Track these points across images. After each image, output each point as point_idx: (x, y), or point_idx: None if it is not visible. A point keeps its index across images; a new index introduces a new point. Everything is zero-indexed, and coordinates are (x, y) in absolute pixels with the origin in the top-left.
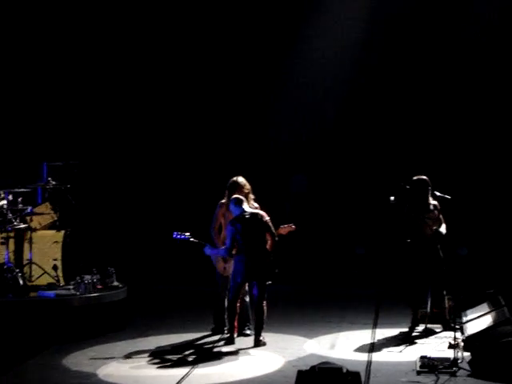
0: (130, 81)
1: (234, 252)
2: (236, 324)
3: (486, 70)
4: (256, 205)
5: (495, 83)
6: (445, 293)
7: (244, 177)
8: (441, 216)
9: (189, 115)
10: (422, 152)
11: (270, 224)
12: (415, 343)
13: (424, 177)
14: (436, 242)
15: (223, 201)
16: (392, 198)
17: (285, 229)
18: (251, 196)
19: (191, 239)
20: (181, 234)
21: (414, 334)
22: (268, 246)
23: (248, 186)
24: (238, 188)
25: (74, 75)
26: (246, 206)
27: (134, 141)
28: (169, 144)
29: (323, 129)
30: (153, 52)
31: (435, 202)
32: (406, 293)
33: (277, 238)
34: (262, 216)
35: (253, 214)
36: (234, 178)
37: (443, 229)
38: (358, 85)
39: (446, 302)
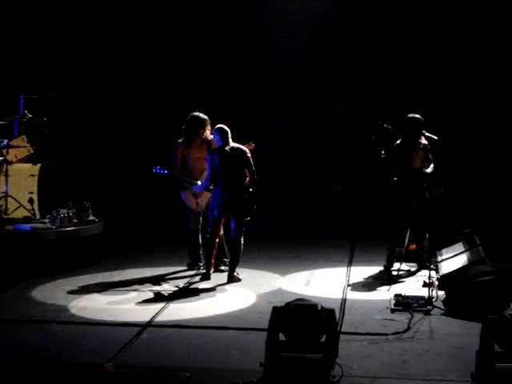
0: (108, 13)
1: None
2: (213, 260)
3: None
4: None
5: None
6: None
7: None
8: (430, 156)
9: (166, 50)
10: (404, 88)
11: (251, 161)
12: (390, 281)
13: (418, 115)
14: (422, 181)
15: (180, 140)
16: (373, 136)
17: (246, 147)
18: (209, 130)
19: (173, 173)
20: (161, 169)
21: (388, 271)
22: (247, 182)
23: (207, 119)
24: (198, 122)
25: (53, 5)
26: (229, 139)
27: (112, 74)
28: (146, 76)
29: (299, 64)
30: None
31: (425, 142)
32: (385, 230)
33: (256, 177)
34: (243, 151)
35: (233, 148)
36: (193, 113)
37: (430, 168)
38: (337, 18)
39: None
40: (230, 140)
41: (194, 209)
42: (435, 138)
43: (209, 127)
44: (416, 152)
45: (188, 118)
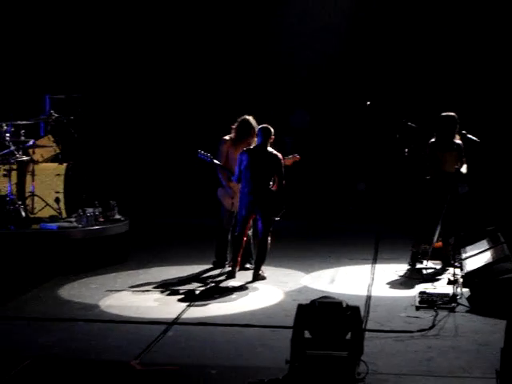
0: (132, 16)
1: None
2: (239, 259)
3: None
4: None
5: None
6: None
7: (245, 112)
8: (463, 156)
9: (191, 49)
10: (431, 88)
11: (282, 168)
12: (415, 279)
13: (452, 113)
14: (455, 180)
15: (227, 137)
16: (397, 135)
17: (289, 160)
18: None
19: (215, 161)
20: (205, 155)
21: (414, 269)
22: (274, 187)
23: (256, 127)
24: (248, 128)
25: (78, 7)
26: (268, 142)
27: (138, 73)
28: (172, 78)
29: (326, 64)
30: None
31: (460, 142)
32: (412, 228)
33: (284, 182)
34: (276, 156)
35: (267, 152)
36: (247, 117)
37: (464, 169)
38: (362, 16)
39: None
40: (267, 141)
41: (229, 208)
42: (476, 139)
43: (255, 135)
44: (450, 153)
45: (242, 120)
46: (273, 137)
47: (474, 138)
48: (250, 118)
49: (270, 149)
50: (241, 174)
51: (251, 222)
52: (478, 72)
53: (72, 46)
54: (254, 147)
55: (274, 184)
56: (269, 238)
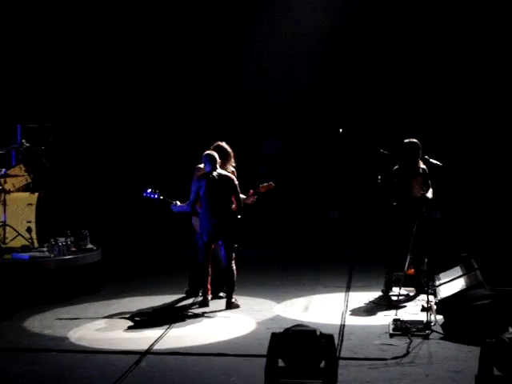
0: (105, 43)
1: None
2: (209, 286)
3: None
4: (232, 169)
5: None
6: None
7: (217, 139)
8: (429, 181)
9: (161, 79)
10: (401, 114)
11: (237, 188)
12: (389, 306)
13: (415, 140)
14: (422, 206)
15: (201, 165)
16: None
17: (264, 187)
18: (232, 162)
19: (161, 197)
20: (151, 193)
21: (387, 296)
22: (233, 209)
23: (231, 152)
24: (222, 152)
25: (49, 36)
26: (217, 166)
27: (108, 104)
28: (141, 107)
29: (297, 91)
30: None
31: (424, 166)
32: (383, 255)
33: (242, 205)
34: (230, 178)
35: (221, 175)
36: (220, 143)
37: (430, 193)
38: (334, 44)
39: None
40: (218, 166)
41: None
42: (439, 164)
43: (232, 160)
44: (415, 178)
45: (215, 146)
46: (230, 158)
47: (436, 162)
48: (223, 144)
49: (223, 171)
50: (196, 199)
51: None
52: (441, 95)
53: (44, 74)
54: (208, 173)
55: (233, 206)
56: (233, 264)
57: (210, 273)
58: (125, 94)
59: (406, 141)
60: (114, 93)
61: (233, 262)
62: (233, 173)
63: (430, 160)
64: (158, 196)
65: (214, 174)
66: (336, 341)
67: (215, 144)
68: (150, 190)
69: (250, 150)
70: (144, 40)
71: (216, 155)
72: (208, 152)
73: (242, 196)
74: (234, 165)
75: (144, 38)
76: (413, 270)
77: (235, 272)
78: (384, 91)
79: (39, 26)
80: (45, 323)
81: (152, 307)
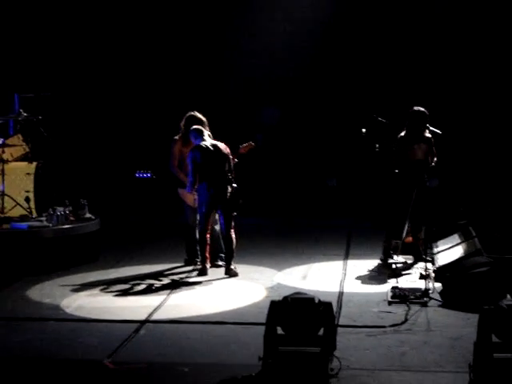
0: (104, 15)
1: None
2: (208, 255)
3: None
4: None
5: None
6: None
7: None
8: (434, 149)
9: (158, 46)
10: (398, 82)
11: (230, 157)
12: (386, 274)
13: (423, 109)
14: (423, 172)
15: (176, 137)
16: (364, 130)
17: (244, 148)
18: (207, 130)
19: (154, 177)
20: (143, 172)
21: (386, 264)
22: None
23: (205, 120)
24: (196, 122)
25: (45, 6)
26: (206, 137)
27: (106, 71)
28: (140, 73)
29: (295, 60)
30: None
31: (429, 135)
32: (383, 223)
33: (234, 175)
34: (222, 147)
35: (213, 144)
36: (191, 113)
37: (433, 162)
38: (333, 17)
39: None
40: (207, 137)
41: (192, 204)
42: (439, 132)
43: (207, 128)
44: (419, 145)
45: (186, 117)
46: (205, 126)
47: (436, 130)
48: (196, 113)
49: (214, 141)
50: (196, 170)
51: (215, 217)
52: (446, 65)
53: (41, 43)
54: (201, 145)
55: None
56: (232, 232)
57: (209, 241)
58: (123, 63)
59: (415, 109)
60: (113, 61)
61: (232, 230)
62: None
63: (431, 128)
64: (151, 174)
65: (208, 144)
66: (334, 308)
67: (188, 114)
68: (141, 171)
69: (247, 119)
70: (142, 15)
71: (202, 128)
72: (194, 127)
73: None
74: (208, 133)
75: (142, 14)
76: (411, 238)
77: (234, 240)
78: (384, 58)
79: None
80: (44, 292)
81: (150, 276)
